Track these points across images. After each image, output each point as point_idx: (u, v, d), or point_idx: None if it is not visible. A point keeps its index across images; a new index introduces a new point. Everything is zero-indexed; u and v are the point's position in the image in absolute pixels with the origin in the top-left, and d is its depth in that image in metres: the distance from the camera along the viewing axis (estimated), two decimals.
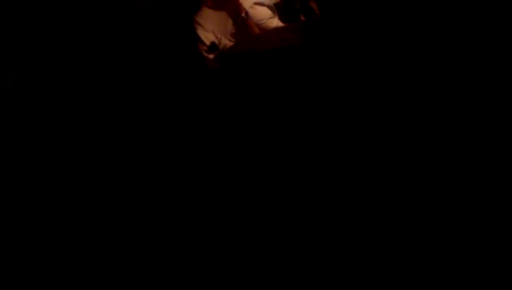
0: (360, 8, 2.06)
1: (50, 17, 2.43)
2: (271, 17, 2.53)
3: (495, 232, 1.78)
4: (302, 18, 2.56)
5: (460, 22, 1.88)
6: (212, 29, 2.55)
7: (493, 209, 1.81)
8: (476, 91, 1.87)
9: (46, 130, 2.34)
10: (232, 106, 2.23)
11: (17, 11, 2.38)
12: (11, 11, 2.37)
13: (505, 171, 1.82)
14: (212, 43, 2.53)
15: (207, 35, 2.54)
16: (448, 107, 1.90)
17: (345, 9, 2.12)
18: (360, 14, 2.05)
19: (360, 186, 1.97)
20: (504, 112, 1.84)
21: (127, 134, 2.38)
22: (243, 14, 2.44)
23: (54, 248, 2.10)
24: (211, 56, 2.49)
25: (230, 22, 2.49)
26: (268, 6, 2.56)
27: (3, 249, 2.09)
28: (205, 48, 2.54)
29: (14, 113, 2.34)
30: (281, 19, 2.55)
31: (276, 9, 2.57)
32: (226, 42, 2.52)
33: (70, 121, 2.38)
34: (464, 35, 1.88)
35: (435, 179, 1.89)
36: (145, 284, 2.00)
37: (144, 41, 2.55)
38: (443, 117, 1.90)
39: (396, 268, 1.83)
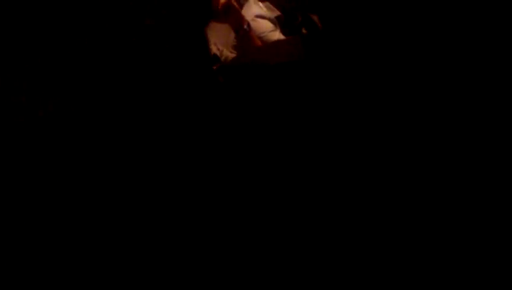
0: (361, 22, 2.07)
1: (56, 29, 2.44)
2: (273, 30, 2.54)
3: (495, 233, 1.80)
4: (304, 31, 2.57)
5: (462, 30, 1.90)
6: (214, 41, 2.56)
7: (493, 209, 1.82)
8: (476, 100, 1.89)
9: (48, 131, 2.34)
10: (233, 117, 2.24)
11: (20, 13, 2.40)
12: (15, 12, 2.38)
13: (505, 171, 1.83)
14: (214, 55, 2.54)
15: (209, 47, 2.54)
16: (449, 124, 1.92)
17: (347, 22, 2.14)
18: (361, 28, 2.07)
19: (362, 201, 1.98)
20: (504, 112, 1.85)
21: (130, 143, 2.38)
22: (245, 26, 2.44)
23: (57, 248, 2.10)
24: (213, 68, 2.50)
25: (232, 34, 2.49)
26: (270, 19, 2.57)
27: (4, 249, 2.08)
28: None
29: (15, 114, 2.34)
30: (283, 32, 2.55)
31: (278, 22, 2.57)
32: (228, 54, 2.53)
33: (76, 126, 2.38)
34: (465, 44, 1.90)
35: (436, 183, 1.90)
36: (145, 284, 2.00)
37: (155, 56, 2.55)
38: (444, 134, 1.92)
39: (397, 268, 1.83)
